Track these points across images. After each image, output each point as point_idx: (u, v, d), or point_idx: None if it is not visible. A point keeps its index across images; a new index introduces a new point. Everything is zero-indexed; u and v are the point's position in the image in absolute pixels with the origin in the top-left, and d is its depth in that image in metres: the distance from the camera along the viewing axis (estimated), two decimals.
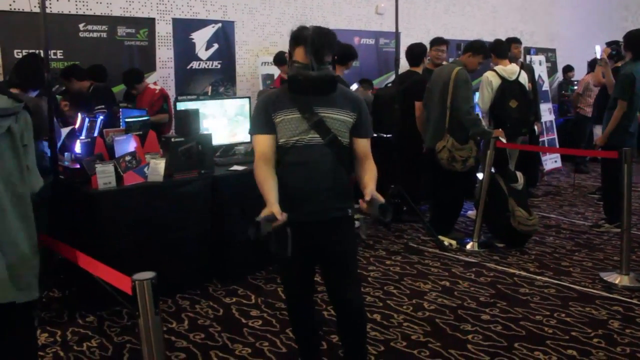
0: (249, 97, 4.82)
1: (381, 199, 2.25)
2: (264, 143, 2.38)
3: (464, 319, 3.48)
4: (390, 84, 6.21)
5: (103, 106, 4.91)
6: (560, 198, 6.67)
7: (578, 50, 10.92)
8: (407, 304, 3.72)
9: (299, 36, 2.30)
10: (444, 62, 5.42)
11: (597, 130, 6.07)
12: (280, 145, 2.39)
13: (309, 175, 2.36)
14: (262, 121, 2.40)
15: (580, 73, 10.26)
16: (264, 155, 2.37)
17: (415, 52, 5.36)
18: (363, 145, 2.49)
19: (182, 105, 4.15)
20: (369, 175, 2.41)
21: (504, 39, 5.55)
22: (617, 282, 3.99)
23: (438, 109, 4.78)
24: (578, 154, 5.26)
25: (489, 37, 6.67)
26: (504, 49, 5.21)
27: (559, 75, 10.28)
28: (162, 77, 6.46)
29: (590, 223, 5.57)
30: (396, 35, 4.94)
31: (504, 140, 4.75)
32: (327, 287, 2.61)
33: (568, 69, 9.86)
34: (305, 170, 2.36)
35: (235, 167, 4.18)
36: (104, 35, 5.75)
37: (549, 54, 10.22)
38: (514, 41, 6.22)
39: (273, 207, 2.18)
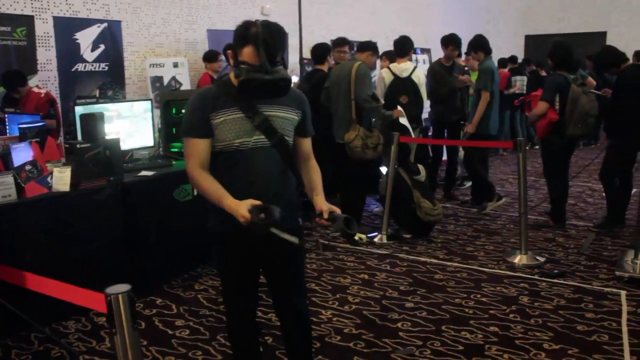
0: (151, 100, 4.62)
1: (339, 212, 2.15)
2: (201, 148, 2.13)
3: (389, 309, 3.58)
4: (297, 81, 6.36)
5: None
6: (462, 188, 7.03)
7: None
8: (332, 299, 3.75)
9: (247, 34, 2.05)
10: None
11: None
12: (221, 149, 2.15)
13: (256, 182, 2.15)
14: (198, 123, 2.13)
15: None
16: (200, 161, 2.14)
17: (319, 51, 5.51)
18: (307, 144, 2.37)
19: (81, 109, 3.88)
20: (316, 182, 2.31)
21: (384, 39, 5.88)
22: (518, 261, 4.33)
23: (343, 104, 4.95)
24: (481, 145, 5.68)
25: (370, 37, 6.94)
26: (403, 48, 5.50)
27: None
28: (42, 80, 5.96)
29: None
30: (300, 35, 4.97)
31: (404, 120, 5.01)
32: (275, 298, 2.45)
33: None
34: (252, 177, 2.15)
35: (144, 173, 3.97)
36: None
37: (425, 54, 10.81)
38: None
39: (242, 204, 1.98)
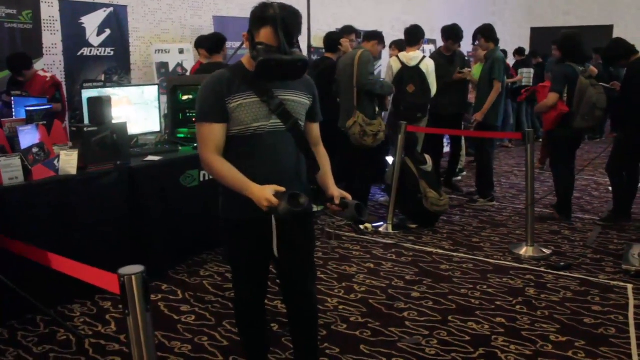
0: (158, 85, 4.59)
1: (350, 198, 2.15)
2: (217, 133, 2.11)
3: (396, 298, 3.58)
4: None
5: None
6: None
7: None
8: (337, 287, 3.74)
9: (265, 16, 2.02)
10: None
11: None
12: (236, 133, 2.13)
13: (273, 166, 2.14)
14: (213, 107, 2.10)
15: None
16: (216, 146, 2.12)
17: (332, 39, 5.51)
18: (316, 129, 2.37)
19: (88, 93, 3.85)
20: (326, 169, 2.31)
21: (390, 29, 5.83)
22: (524, 253, 4.31)
23: (347, 91, 4.96)
24: (489, 135, 5.66)
25: (376, 27, 6.90)
26: (414, 36, 5.49)
27: None
28: (47, 64, 5.92)
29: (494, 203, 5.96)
30: (308, 23, 4.94)
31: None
32: (285, 282, 2.43)
33: None
34: (270, 161, 2.14)
35: (151, 158, 3.95)
36: None
37: (431, 44, 10.74)
38: None
39: (266, 188, 1.99)
